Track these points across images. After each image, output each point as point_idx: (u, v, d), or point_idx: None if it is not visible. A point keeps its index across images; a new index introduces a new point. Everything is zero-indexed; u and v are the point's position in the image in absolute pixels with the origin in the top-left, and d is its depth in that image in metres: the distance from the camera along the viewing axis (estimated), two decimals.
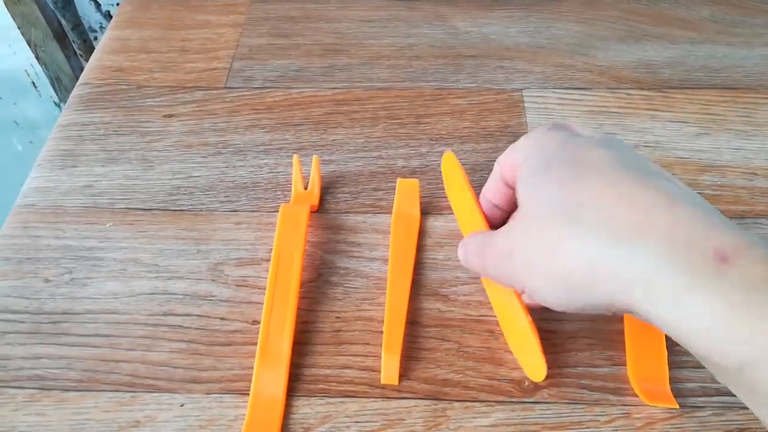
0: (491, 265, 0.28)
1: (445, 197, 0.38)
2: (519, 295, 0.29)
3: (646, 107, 0.43)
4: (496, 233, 0.28)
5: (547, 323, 0.32)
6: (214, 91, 0.45)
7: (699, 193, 0.34)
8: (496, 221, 0.31)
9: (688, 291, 0.21)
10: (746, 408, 0.29)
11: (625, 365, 0.31)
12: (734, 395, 0.29)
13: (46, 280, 0.35)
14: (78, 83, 0.46)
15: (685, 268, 0.21)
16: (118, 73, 0.47)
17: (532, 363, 0.29)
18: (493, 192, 0.31)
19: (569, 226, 0.23)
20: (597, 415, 0.29)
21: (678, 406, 0.29)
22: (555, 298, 0.25)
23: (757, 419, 0.29)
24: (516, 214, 0.28)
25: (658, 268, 0.21)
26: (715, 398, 0.29)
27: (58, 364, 0.31)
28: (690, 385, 0.30)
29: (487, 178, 0.39)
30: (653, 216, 0.22)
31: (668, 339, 0.30)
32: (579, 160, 0.25)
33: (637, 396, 0.29)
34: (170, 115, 0.43)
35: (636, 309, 0.23)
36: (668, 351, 0.30)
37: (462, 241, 0.30)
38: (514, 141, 0.40)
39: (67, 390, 0.31)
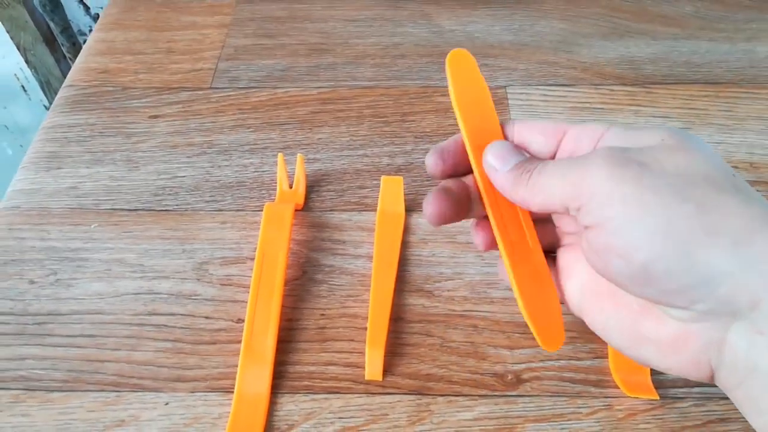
0: (599, 160, 0.20)
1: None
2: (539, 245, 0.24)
3: (629, 103, 0.43)
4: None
5: None
6: (200, 92, 0.45)
7: None
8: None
9: None
10: (726, 398, 0.29)
11: (607, 357, 0.31)
12: (714, 386, 0.30)
13: (31, 282, 0.35)
14: (63, 85, 0.46)
15: None
16: (103, 75, 0.47)
17: (548, 328, 0.23)
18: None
19: (728, 187, 0.19)
20: (579, 407, 0.29)
21: (658, 397, 0.29)
22: (655, 244, 0.19)
23: (736, 409, 0.29)
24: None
25: None
26: (695, 389, 0.30)
27: (42, 365, 0.31)
28: (671, 376, 0.30)
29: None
30: None
31: None
32: None
33: (619, 388, 0.30)
34: (156, 116, 0.43)
35: (761, 298, 0.18)
36: None
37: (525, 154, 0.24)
38: None
39: (52, 390, 0.31)
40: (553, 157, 0.24)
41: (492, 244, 0.25)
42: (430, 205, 0.24)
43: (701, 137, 0.41)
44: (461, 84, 0.25)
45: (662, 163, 0.20)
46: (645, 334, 0.21)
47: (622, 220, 0.19)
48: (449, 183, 0.25)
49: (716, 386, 0.29)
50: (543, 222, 0.26)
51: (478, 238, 0.25)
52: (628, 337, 0.22)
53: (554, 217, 0.26)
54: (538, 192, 0.22)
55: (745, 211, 0.19)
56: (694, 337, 0.20)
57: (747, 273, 0.18)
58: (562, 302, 0.24)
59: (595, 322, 0.23)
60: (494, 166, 0.23)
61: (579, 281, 0.24)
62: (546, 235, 0.26)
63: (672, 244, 0.19)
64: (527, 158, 0.23)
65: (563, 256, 0.25)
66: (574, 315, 0.24)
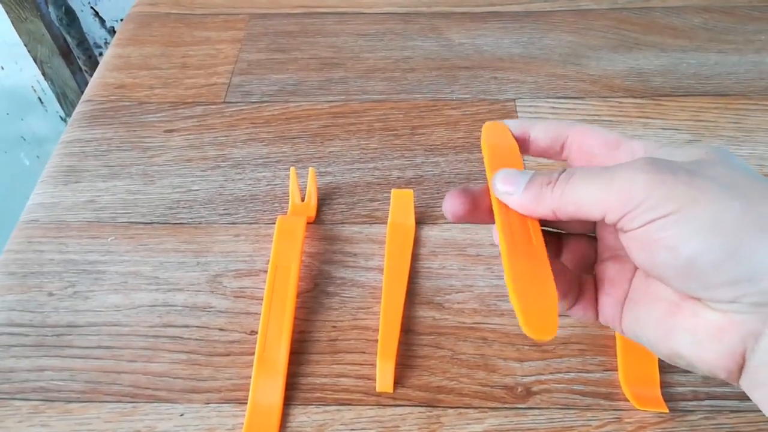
0: (644, 167, 0.21)
1: (440, 207, 0.39)
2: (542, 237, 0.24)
3: (638, 115, 0.43)
4: None
5: None
6: (214, 106, 0.46)
7: None
8: None
9: None
10: (736, 411, 0.29)
11: (616, 370, 0.31)
12: (724, 399, 0.30)
13: (50, 294, 0.35)
14: (81, 100, 0.47)
15: None
16: (120, 90, 0.48)
17: (540, 314, 0.22)
18: (541, 137, 0.26)
19: None
20: (589, 420, 0.29)
21: (668, 411, 0.29)
22: (704, 237, 0.20)
23: (747, 422, 0.29)
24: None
25: None
26: (705, 402, 0.30)
27: (61, 376, 0.32)
28: (681, 389, 0.30)
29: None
30: None
31: None
32: None
33: (629, 401, 0.30)
34: (171, 131, 0.44)
35: None
36: None
37: (531, 172, 0.24)
38: None
39: (71, 401, 0.31)
40: None
41: (464, 218, 0.25)
42: (446, 201, 0.25)
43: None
44: (492, 140, 0.26)
45: (708, 171, 0.21)
46: (681, 325, 0.22)
47: (672, 217, 0.20)
48: (476, 186, 0.26)
49: (727, 399, 0.30)
50: (579, 239, 0.27)
51: (449, 206, 0.25)
52: (663, 329, 0.22)
53: (597, 231, 0.26)
54: (569, 202, 0.22)
55: None
56: (735, 327, 0.20)
57: None
58: (596, 319, 0.25)
59: (629, 323, 0.24)
60: (507, 191, 0.23)
61: (619, 291, 0.24)
62: (582, 251, 0.26)
63: (719, 238, 0.19)
64: (537, 172, 0.23)
65: (602, 269, 0.25)
66: (607, 326, 0.25)
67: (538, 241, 0.23)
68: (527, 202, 0.23)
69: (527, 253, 0.23)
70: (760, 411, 0.22)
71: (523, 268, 0.23)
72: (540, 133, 0.26)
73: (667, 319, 0.22)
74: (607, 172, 0.21)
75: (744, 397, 0.23)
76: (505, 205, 0.24)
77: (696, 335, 0.21)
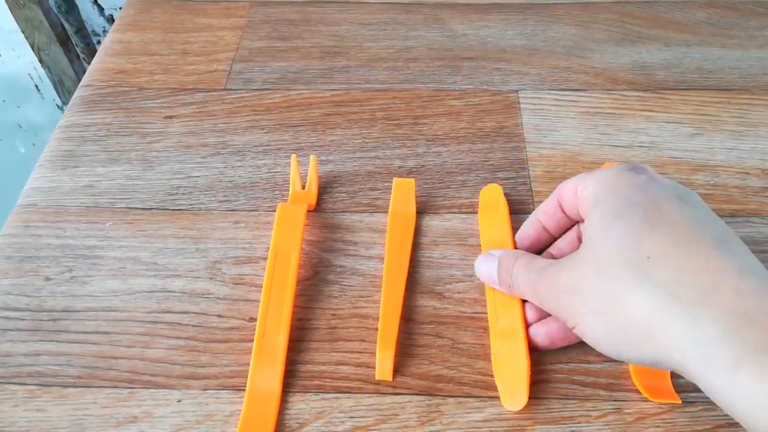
0: (547, 295, 0.28)
1: (441, 197, 0.39)
2: (525, 319, 0.31)
3: (641, 108, 0.43)
4: (555, 263, 0.28)
5: None
6: (214, 93, 0.46)
7: None
8: (542, 244, 0.33)
9: (746, 366, 0.21)
10: None
11: (617, 361, 0.31)
12: None
13: (47, 279, 0.35)
14: (80, 85, 0.47)
15: (746, 342, 0.21)
16: (120, 75, 0.47)
17: (513, 390, 0.30)
18: (547, 216, 0.32)
19: (635, 280, 0.24)
20: (588, 410, 0.29)
21: (680, 401, 0.29)
22: (607, 346, 0.26)
23: None
24: (581, 253, 0.27)
25: (718, 338, 0.21)
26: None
27: (57, 361, 0.32)
28: (681, 380, 0.30)
29: (482, 178, 0.40)
30: (720, 283, 0.22)
31: None
32: (654, 210, 0.25)
33: (630, 391, 0.30)
34: (170, 117, 0.44)
35: (687, 371, 0.23)
36: None
37: (495, 255, 0.32)
38: (509, 141, 0.41)
39: (67, 386, 0.31)
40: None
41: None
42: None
43: (711, 141, 0.41)
44: (485, 207, 0.37)
45: (586, 286, 0.26)
46: None
47: (576, 330, 0.27)
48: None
49: None
50: None
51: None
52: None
53: None
54: (528, 299, 0.31)
55: (644, 311, 0.23)
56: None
57: (662, 358, 0.24)
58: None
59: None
60: (488, 281, 0.32)
61: None
62: None
63: (616, 345, 0.26)
64: (499, 263, 0.31)
65: None
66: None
67: (515, 312, 0.31)
68: (505, 291, 0.31)
69: (508, 332, 0.31)
70: None
71: (502, 348, 0.31)
72: (543, 216, 0.32)
73: None
74: (535, 280, 0.29)
75: None
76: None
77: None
